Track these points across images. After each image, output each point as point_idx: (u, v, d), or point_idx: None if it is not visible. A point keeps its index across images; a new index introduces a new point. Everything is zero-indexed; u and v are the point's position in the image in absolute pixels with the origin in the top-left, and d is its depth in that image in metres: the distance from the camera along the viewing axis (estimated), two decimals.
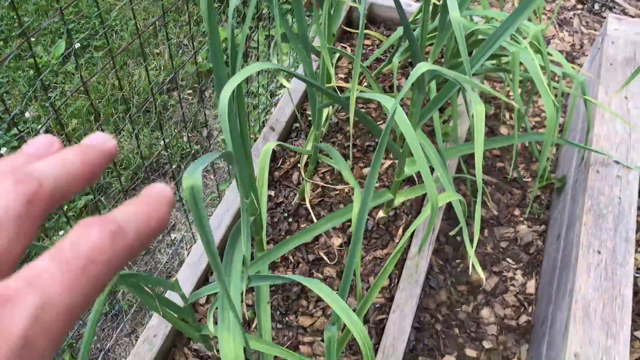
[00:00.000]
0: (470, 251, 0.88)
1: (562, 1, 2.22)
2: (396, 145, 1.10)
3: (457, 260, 1.51)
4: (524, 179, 1.67)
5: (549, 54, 1.48)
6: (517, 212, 1.61)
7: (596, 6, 2.17)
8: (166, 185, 0.21)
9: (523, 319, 1.43)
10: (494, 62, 1.34)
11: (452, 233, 1.23)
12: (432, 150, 1.13)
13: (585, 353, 1.08)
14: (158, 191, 0.20)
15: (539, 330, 1.34)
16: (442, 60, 1.47)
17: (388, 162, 1.40)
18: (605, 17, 2.14)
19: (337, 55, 1.64)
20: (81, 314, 0.16)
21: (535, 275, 1.50)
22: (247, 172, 0.94)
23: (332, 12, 1.27)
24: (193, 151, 1.82)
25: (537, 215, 1.61)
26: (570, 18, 2.16)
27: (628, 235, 1.23)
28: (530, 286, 1.48)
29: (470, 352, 1.37)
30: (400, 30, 1.41)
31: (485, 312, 1.44)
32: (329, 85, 1.30)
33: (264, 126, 1.46)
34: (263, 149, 1.12)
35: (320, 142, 1.47)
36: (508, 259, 1.53)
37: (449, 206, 1.60)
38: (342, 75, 1.63)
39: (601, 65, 1.57)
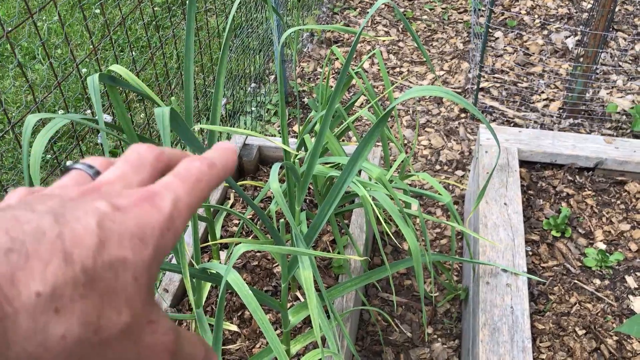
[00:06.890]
0: None
1: (446, 112, 2.36)
2: (271, 298, 1.09)
3: None
4: (432, 294, 1.68)
5: (422, 180, 1.55)
6: (430, 329, 1.60)
7: None
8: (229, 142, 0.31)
9: None
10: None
11: None
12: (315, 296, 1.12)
13: None
14: (228, 145, 0.29)
15: None
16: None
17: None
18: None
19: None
20: (193, 212, 0.25)
21: None
22: None
23: None
24: None
25: (450, 330, 1.60)
26: (456, 127, 2.29)
27: (524, 345, 1.23)
28: None
29: None
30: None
31: None
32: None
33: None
34: None
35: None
36: None
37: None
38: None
39: (479, 174, 1.65)
